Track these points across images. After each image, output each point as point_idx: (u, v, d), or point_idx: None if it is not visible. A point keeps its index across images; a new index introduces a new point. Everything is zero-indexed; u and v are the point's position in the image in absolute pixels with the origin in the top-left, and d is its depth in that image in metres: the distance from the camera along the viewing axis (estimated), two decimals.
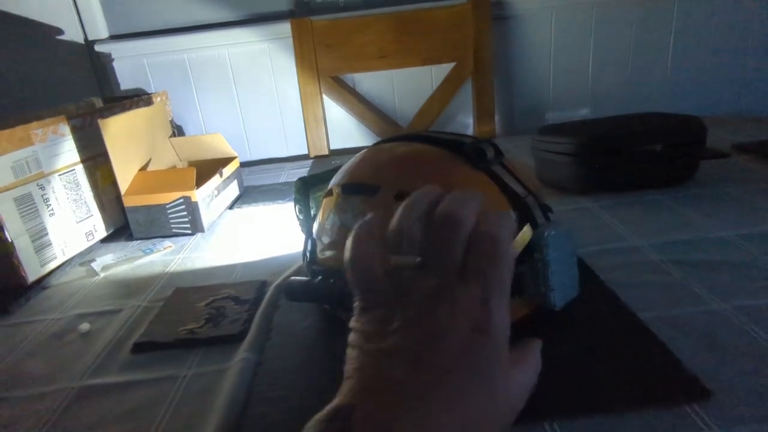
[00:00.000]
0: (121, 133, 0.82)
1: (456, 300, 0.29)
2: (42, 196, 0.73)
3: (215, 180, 0.89)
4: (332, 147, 1.44)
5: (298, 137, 1.49)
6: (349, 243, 0.33)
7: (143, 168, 0.88)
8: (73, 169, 0.79)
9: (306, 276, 0.54)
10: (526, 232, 0.39)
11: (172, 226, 0.83)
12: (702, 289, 0.51)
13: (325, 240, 0.52)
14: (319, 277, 0.49)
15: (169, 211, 0.82)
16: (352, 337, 0.32)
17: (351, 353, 0.31)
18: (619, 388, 0.39)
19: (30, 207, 0.71)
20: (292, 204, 0.66)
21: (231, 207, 0.95)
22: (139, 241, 0.83)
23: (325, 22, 1.32)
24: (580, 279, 0.49)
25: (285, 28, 1.34)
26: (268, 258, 0.72)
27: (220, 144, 1.00)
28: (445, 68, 1.39)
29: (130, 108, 0.93)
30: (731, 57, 1.44)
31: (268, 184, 1.08)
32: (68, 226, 0.77)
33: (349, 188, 0.50)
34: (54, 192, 0.75)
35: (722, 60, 1.44)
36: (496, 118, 1.44)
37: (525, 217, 0.46)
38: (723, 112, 1.45)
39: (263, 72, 1.43)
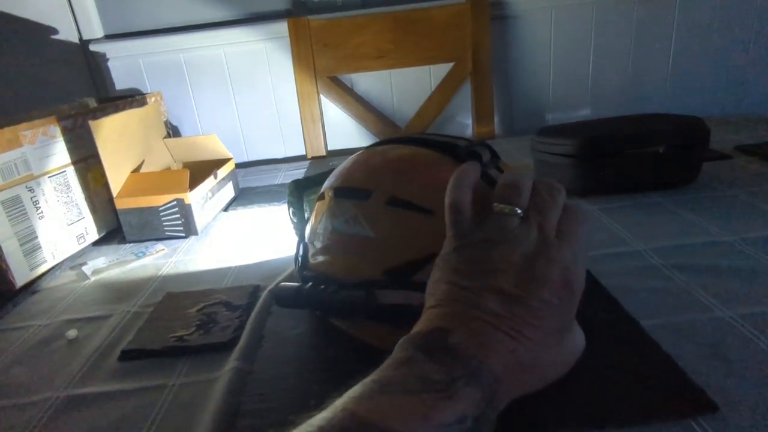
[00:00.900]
0: (113, 134, 0.80)
1: (552, 255, 0.33)
2: (31, 198, 0.72)
3: (209, 182, 0.88)
4: (330, 148, 1.42)
5: (295, 138, 1.47)
6: (449, 185, 0.37)
7: (136, 169, 0.87)
8: (64, 171, 0.78)
9: (298, 281, 0.52)
10: None
11: (165, 228, 0.82)
12: (706, 296, 0.50)
13: (318, 245, 0.50)
14: (309, 284, 0.48)
15: (162, 214, 0.81)
16: (439, 273, 0.35)
17: (441, 286, 0.34)
18: (621, 400, 0.37)
19: (18, 210, 0.69)
20: (286, 206, 0.65)
21: (226, 209, 0.94)
22: (131, 244, 0.82)
23: (322, 22, 1.31)
24: None
25: (282, 27, 1.33)
26: (262, 261, 0.70)
27: (215, 145, 0.98)
28: (444, 68, 1.37)
29: (123, 108, 0.92)
30: (733, 57, 1.42)
31: (264, 186, 1.07)
32: (58, 229, 0.76)
33: (341, 192, 0.48)
34: (44, 194, 0.74)
35: (724, 60, 1.42)
36: (496, 118, 1.42)
37: None
38: (724, 113, 1.43)
39: (260, 72, 1.42)
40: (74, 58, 1.39)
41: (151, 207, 0.80)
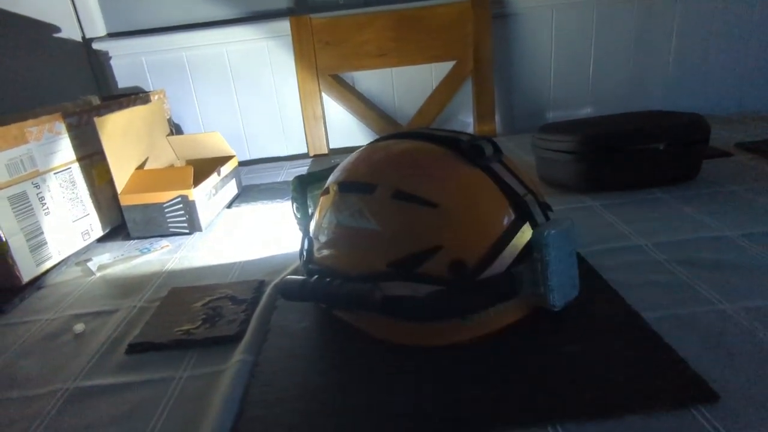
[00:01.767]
0: (117, 131, 0.81)
1: None
2: (37, 194, 0.72)
3: (213, 179, 0.88)
4: (332, 146, 1.43)
5: (297, 136, 1.48)
6: None
7: (140, 166, 0.87)
8: (69, 168, 0.79)
9: (303, 275, 0.53)
10: (526, 231, 0.38)
11: (170, 225, 0.82)
12: (708, 290, 0.50)
13: (322, 239, 0.51)
14: (315, 276, 0.48)
15: (166, 210, 0.81)
16: None
17: None
18: (623, 390, 0.38)
19: (25, 206, 0.70)
20: (290, 202, 0.65)
21: (229, 206, 0.94)
22: (136, 241, 0.82)
23: (324, 20, 1.31)
24: (583, 278, 0.48)
25: (284, 25, 1.33)
26: (266, 257, 0.71)
27: (218, 142, 0.99)
28: (446, 67, 1.38)
29: (127, 106, 0.92)
30: (733, 55, 1.42)
31: (266, 183, 1.07)
32: (64, 225, 0.76)
33: (346, 186, 0.49)
34: (49, 190, 0.74)
35: (724, 58, 1.43)
36: (497, 116, 1.43)
37: (524, 215, 0.45)
38: (725, 110, 1.44)
39: (262, 70, 1.42)
40: (77, 56, 1.39)
41: (156, 203, 0.81)
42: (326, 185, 0.53)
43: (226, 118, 1.47)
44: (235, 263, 0.70)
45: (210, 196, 0.86)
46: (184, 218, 0.82)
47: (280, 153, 1.51)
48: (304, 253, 0.55)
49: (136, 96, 1.01)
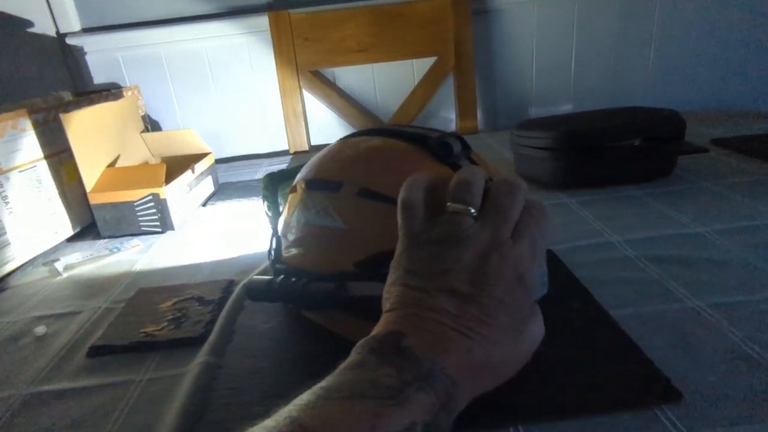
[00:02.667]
0: (86, 127, 0.79)
1: (506, 253, 0.33)
2: (0, 193, 0.70)
3: (187, 176, 0.87)
4: (313, 142, 1.41)
5: (278, 133, 1.46)
6: (403, 186, 0.37)
7: (111, 164, 0.85)
8: (35, 166, 0.76)
9: (271, 275, 0.51)
10: None
11: (141, 224, 0.80)
12: (677, 287, 0.50)
13: (290, 237, 0.50)
14: (281, 276, 0.47)
15: (137, 209, 0.80)
16: (394, 275, 0.35)
17: (395, 289, 0.34)
18: (586, 389, 0.37)
19: None
20: (262, 200, 0.64)
21: (204, 204, 0.93)
22: (106, 240, 0.81)
23: (303, 15, 1.30)
24: (553, 276, 0.47)
25: (263, 21, 1.31)
26: (238, 256, 0.70)
27: (193, 139, 0.97)
28: (427, 63, 1.37)
29: (97, 102, 0.90)
30: (713, 51, 1.44)
31: (244, 181, 1.05)
32: (30, 224, 0.74)
33: (313, 184, 0.48)
34: (13, 189, 0.72)
35: (704, 55, 1.44)
36: (479, 113, 1.42)
37: None
38: (704, 106, 1.45)
39: (241, 66, 1.40)
40: (51, 51, 1.36)
41: (126, 202, 0.79)
42: (294, 183, 0.52)
43: (205, 114, 1.45)
44: (206, 262, 0.69)
45: (184, 194, 0.85)
46: (156, 217, 0.80)
47: (260, 150, 1.49)
48: (272, 252, 0.54)
49: (108, 92, 0.99)
